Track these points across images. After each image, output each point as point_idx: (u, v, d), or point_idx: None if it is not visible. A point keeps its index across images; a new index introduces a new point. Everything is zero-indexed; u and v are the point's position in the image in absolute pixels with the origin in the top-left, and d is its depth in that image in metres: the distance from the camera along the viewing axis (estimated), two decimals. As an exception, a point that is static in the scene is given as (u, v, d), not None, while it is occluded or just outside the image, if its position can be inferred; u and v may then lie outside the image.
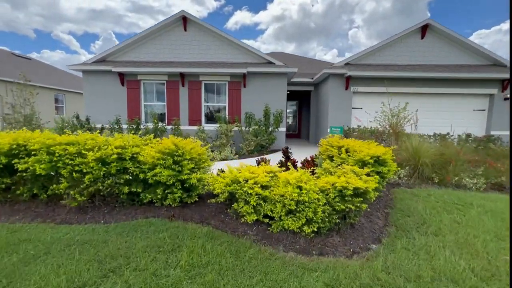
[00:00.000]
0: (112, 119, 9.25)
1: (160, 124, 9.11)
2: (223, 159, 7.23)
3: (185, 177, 3.43)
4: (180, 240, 2.84)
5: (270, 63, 10.08)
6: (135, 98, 9.93)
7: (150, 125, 9.16)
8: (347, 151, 4.62)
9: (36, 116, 12.05)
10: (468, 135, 8.74)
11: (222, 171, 4.17)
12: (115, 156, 3.32)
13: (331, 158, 4.92)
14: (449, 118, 9.81)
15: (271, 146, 9.18)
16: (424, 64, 10.10)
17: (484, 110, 9.93)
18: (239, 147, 8.91)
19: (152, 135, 4.22)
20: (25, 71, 18.08)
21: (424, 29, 9.86)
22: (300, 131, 14.93)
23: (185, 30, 10.06)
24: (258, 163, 4.55)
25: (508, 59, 9.60)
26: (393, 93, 9.93)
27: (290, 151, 5.36)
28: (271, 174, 3.41)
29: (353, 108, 10.00)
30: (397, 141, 7.05)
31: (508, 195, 4.89)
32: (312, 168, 5.47)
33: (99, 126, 9.55)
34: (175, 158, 3.46)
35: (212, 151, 8.25)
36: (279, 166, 3.85)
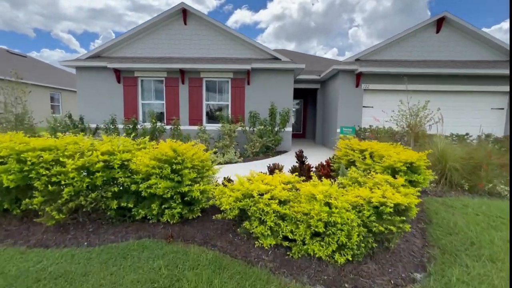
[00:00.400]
0: (107, 119, 8.66)
1: (158, 124, 8.52)
2: (227, 162, 6.65)
3: (186, 189, 2.85)
4: (179, 272, 2.27)
5: (276, 59, 9.49)
6: (132, 96, 9.34)
7: (148, 125, 8.57)
8: (371, 155, 4.05)
9: (28, 116, 11.49)
10: (488, 136, 8.17)
11: (229, 180, 3.59)
12: (101, 164, 2.74)
13: (351, 163, 4.34)
14: (466, 117, 9.23)
15: (277, 147, 8.60)
16: (439, 59, 9.50)
17: (503, 108, 9.34)
18: (242, 149, 8.34)
19: (147, 138, 3.65)
20: (20, 69, 17.48)
21: (439, 23, 9.26)
22: (305, 131, 14.35)
23: (185, 23, 9.46)
24: (271, 171, 3.96)
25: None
26: (406, 91, 9.35)
27: (304, 155, 4.76)
28: (289, 186, 2.83)
29: (363, 106, 9.42)
30: (416, 143, 6.48)
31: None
32: (328, 173, 4.90)
33: (93, 126, 8.97)
34: (174, 166, 2.88)
35: (215, 153, 7.67)
36: (295, 174, 3.27)
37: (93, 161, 2.72)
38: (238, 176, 2.92)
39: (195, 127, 8.81)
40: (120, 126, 8.66)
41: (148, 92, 9.58)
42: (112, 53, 9.66)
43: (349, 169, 3.77)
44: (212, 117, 9.58)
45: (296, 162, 4.74)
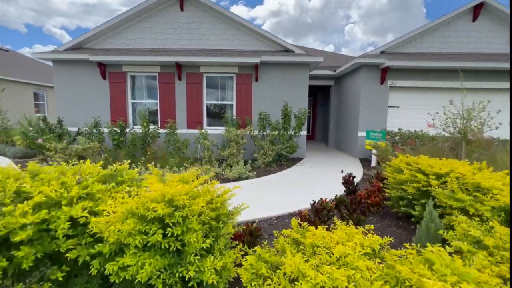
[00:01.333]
0: (91, 121, 7.28)
1: (151, 127, 7.17)
2: (236, 179, 5.35)
3: (191, 272, 1.56)
4: None
5: (288, 51, 8.18)
6: (120, 94, 7.97)
7: (139, 129, 7.22)
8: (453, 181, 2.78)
9: (2, 116, 10.05)
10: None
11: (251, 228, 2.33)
12: (29, 231, 1.44)
13: (423, 193, 3.08)
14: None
15: (291, 154, 7.34)
16: (475, 52, 8.28)
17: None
18: (250, 156, 7.07)
19: (126, 165, 2.34)
20: (0, 64, 15.85)
21: (477, 9, 8.02)
22: (314, 132, 13.10)
23: (182, 9, 8.08)
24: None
25: None
26: (436, 89, 8.15)
27: (352, 175, 3.51)
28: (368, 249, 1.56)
29: (389, 106, 8.18)
30: (471, 153, 5.28)
31: None
32: (380, 202, 3.66)
33: (74, 130, 7.60)
34: (168, 229, 1.59)
35: (220, 164, 6.38)
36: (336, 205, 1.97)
37: (12, 227, 1.41)
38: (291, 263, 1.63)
39: (195, 131, 7.48)
40: (106, 130, 7.29)
41: (139, 90, 8.21)
42: (96, 44, 8.25)
43: (428, 204, 2.51)
44: (214, 119, 8.27)
45: (343, 184, 3.47)
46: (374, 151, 6.80)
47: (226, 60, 7.37)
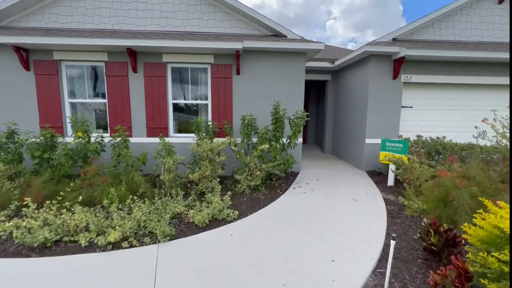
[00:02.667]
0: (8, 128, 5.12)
1: (95, 137, 5.14)
2: (207, 225, 3.50)
3: None
4: None
5: (279, 35, 6.39)
6: (52, 91, 5.84)
7: (78, 140, 5.15)
8: None
9: None
10: None
11: None
12: None
13: None
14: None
15: (285, 172, 5.62)
16: (499, 41, 6.92)
17: None
18: (230, 168, 5.28)
19: None
20: None
21: (505, -11, 6.64)
22: (305, 135, 11.47)
23: (137, -23, 6.03)
24: None
25: None
26: (457, 85, 6.73)
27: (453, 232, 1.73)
28: None
29: (402, 107, 6.66)
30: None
31: None
32: (467, 278, 2.02)
33: (-18, 141, 5.40)
34: None
35: (188, 191, 4.53)
36: None
37: None
38: None
39: (156, 140, 5.52)
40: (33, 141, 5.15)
41: (80, 85, 6.11)
42: (17, 21, 6.02)
43: None
44: (184, 123, 6.36)
45: (424, 249, 1.74)
46: (391, 166, 5.23)
47: (197, 46, 5.46)
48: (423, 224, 2.96)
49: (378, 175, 6.22)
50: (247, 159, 4.73)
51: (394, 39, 6.60)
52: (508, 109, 3.95)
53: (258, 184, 4.72)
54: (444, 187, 3.60)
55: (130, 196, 3.73)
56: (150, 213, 3.54)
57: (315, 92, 10.98)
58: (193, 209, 3.63)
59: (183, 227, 3.38)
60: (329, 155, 8.85)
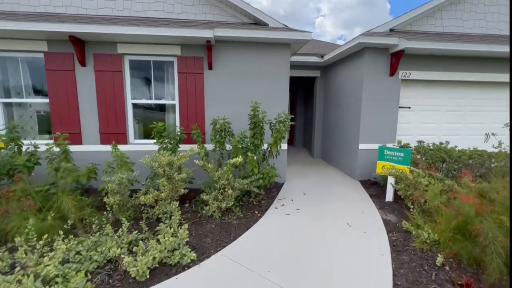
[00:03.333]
0: None
1: (26, 145, 4.07)
2: (149, 279, 2.56)
3: None
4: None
5: (259, 23, 5.45)
6: (-23, 89, 4.70)
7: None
8: None
9: None
10: None
11: None
12: None
13: None
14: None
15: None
16: (506, 34, 6.23)
17: None
18: (197, 185, 4.34)
19: None
20: None
21: (513, -26, 5.92)
22: (292, 136, 10.62)
23: (84, -52, 4.93)
24: None
25: None
26: (460, 83, 6.01)
27: None
28: None
29: (400, 107, 5.88)
30: None
31: None
32: None
33: None
34: None
35: (138, 219, 3.54)
36: None
37: None
38: None
39: (108, 148, 4.49)
40: None
41: (17, 82, 4.98)
42: None
43: None
44: (145, 128, 5.35)
45: None
46: (391, 179, 4.42)
47: (156, 34, 4.44)
48: (436, 263, 2.11)
49: (373, 186, 5.42)
50: (216, 174, 3.79)
51: (391, 30, 5.78)
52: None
53: (230, 205, 3.80)
54: (464, 215, 2.79)
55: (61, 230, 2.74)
56: (72, 258, 2.56)
57: (303, 90, 10.12)
58: (135, 250, 2.66)
59: (116, 281, 2.42)
60: (318, 160, 8.03)
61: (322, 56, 7.19)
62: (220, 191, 3.84)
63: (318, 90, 7.97)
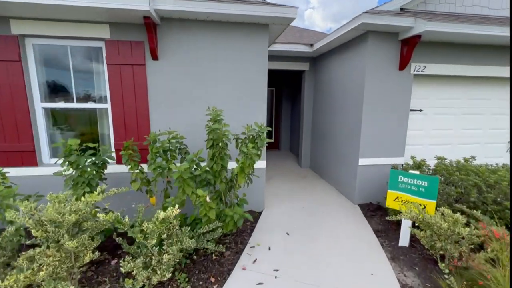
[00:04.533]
0: None
1: None
2: None
3: None
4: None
5: (225, -4, 3.95)
6: None
7: None
8: None
9: None
10: None
11: None
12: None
13: None
14: None
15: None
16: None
17: None
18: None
19: None
20: None
21: None
22: (278, 139, 9.25)
23: None
24: None
25: None
26: (478, 79, 4.79)
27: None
28: None
29: (411, 110, 4.59)
30: None
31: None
32: None
33: None
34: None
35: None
36: None
37: None
38: None
39: (17, 170, 2.97)
40: None
41: None
42: None
43: None
44: (86, 139, 3.81)
45: None
46: (405, 221, 3.12)
47: (75, 4, 2.89)
48: None
49: (377, 213, 4.15)
50: (140, 236, 2.36)
51: (402, 9, 4.41)
52: None
53: (167, 277, 2.39)
54: None
55: None
56: None
57: (289, 85, 8.72)
58: None
59: None
60: (307, 171, 6.71)
61: (311, 45, 5.78)
62: (147, 257, 2.42)
63: (307, 86, 6.59)
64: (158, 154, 3.02)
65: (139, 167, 3.14)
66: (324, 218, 4.03)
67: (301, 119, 6.89)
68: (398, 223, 3.60)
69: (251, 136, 3.00)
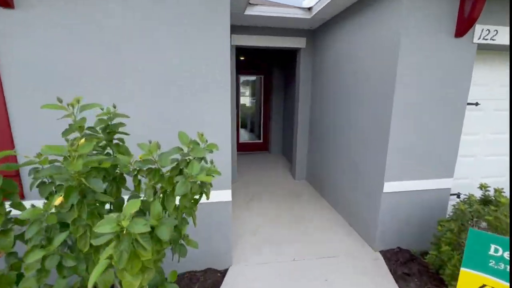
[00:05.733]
0: None
1: None
2: None
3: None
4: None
5: None
6: None
7: None
8: None
9: None
10: None
11: None
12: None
13: None
14: None
15: None
16: None
17: None
18: None
19: None
20: None
21: None
22: (267, 137, 7.53)
23: None
24: None
25: None
26: None
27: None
28: None
29: (468, 104, 2.89)
30: None
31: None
32: None
33: None
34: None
35: None
36: None
37: None
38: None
39: None
40: None
41: None
42: None
43: None
44: None
45: None
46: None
47: None
48: None
49: (412, 269, 2.50)
50: None
51: None
52: None
53: None
54: None
55: None
56: None
57: (282, 71, 6.96)
58: None
59: None
60: (303, 185, 5.04)
61: (309, 9, 4.02)
62: None
63: (303, 70, 4.84)
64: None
65: None
66: (330, 286, 2.38)
67: (296, 116, 5.17)
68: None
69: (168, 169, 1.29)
